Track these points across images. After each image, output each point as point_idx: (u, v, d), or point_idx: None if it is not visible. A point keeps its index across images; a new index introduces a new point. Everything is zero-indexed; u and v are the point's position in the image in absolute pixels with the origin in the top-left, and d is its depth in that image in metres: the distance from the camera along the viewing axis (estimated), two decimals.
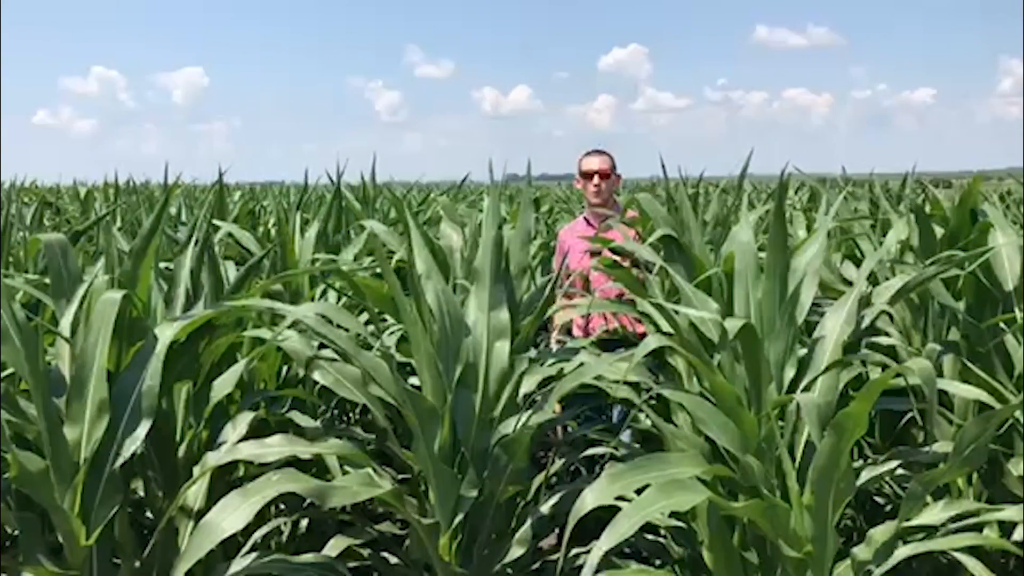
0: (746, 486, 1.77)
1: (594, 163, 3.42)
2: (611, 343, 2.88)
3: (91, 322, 1.91)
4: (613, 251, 2.76)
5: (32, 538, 1.88)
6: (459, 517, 1.98)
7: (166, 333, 1.99)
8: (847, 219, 3.41)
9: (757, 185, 8.10)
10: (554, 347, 3.03)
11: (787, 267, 2.08)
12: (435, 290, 2.16)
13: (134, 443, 1.86)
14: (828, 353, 2.00)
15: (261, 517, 2.34)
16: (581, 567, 1.71)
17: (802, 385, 1.97)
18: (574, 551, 2.15)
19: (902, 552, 1.75)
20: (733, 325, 1.82)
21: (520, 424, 2.06)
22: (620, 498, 1.76)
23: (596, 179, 3.40)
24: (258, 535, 2.10)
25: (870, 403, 1.63)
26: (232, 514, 1.67)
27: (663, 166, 3.01)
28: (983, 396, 2.06)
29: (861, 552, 1.75)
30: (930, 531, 1.81)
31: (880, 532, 1.77)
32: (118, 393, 1.89)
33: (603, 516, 1.64)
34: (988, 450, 1.77)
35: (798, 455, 1.88)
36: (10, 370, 2.04)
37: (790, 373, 1.99)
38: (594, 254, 2.97)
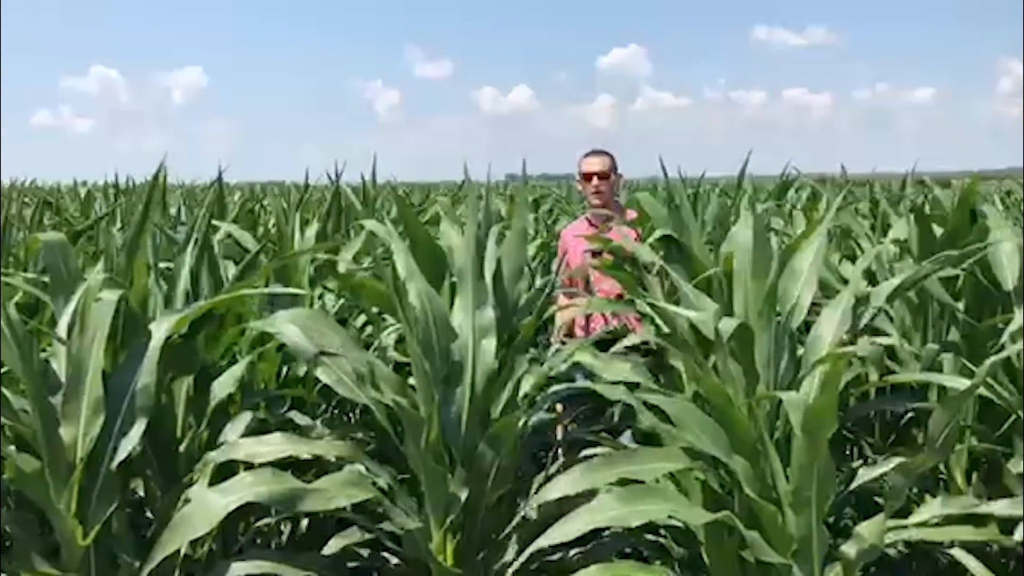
0: (733, 487, 1.77)
1: (594, 164, 3.40)
2: (612, 343, 2.88)
3: (87, 321, 1.90)
4: (613, 251, 2.76)
5: (28, 539, 1.87)
6: (451, 516, 1.98)
7: (160, 329, 1.98)
8: (843, 207, 3.39)
9: (757, 185, 8.08)
10: (555, 348, 3.03)
11: (770, 265, 2.07)
12: (417, 291, 2.16)
13: (130, 442, 1.85)
14: (824, 352, 1.99)
15: (262, 516, 2.35)
16: (578, 567, 1.72)
17: (800, 385, 1.97)
18: (573, 552, 2.16)
19: (892, 537, 1.75)
20: (728, 325, 1.82)
21: (507, 420, 2.06)
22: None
23: (596, 180, 3.38)
24: (253, 529, 2.10)
25: (834, 394, 1.62)
26: (204, 513, 1.68)
27: (663, 166, 3.00)
28: (970, 384, 2.05)
29: (849, 548, 1.73)
30: (922, 525, 1.81)
31: (868, 527, 1.75)
32: (113, 392, 1.89)
33: None
34: (957, 436, 1.77)
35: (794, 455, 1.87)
36: (5, 368, 2.04)
37: (783, 372, 1.98)
38: (595, 254, 2.96)
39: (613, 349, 1.91)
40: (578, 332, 3.31)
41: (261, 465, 1.99)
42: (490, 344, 2.17)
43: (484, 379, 2.14)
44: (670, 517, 2.04)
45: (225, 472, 2.21)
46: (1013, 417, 2.17)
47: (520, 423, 2.08)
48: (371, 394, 2.06)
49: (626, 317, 2.99)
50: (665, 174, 3.01)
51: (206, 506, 1.71)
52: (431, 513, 1.97)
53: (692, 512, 1.69)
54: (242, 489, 1.74)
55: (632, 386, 2.16)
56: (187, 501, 1.98)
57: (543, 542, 1.58)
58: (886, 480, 2.38)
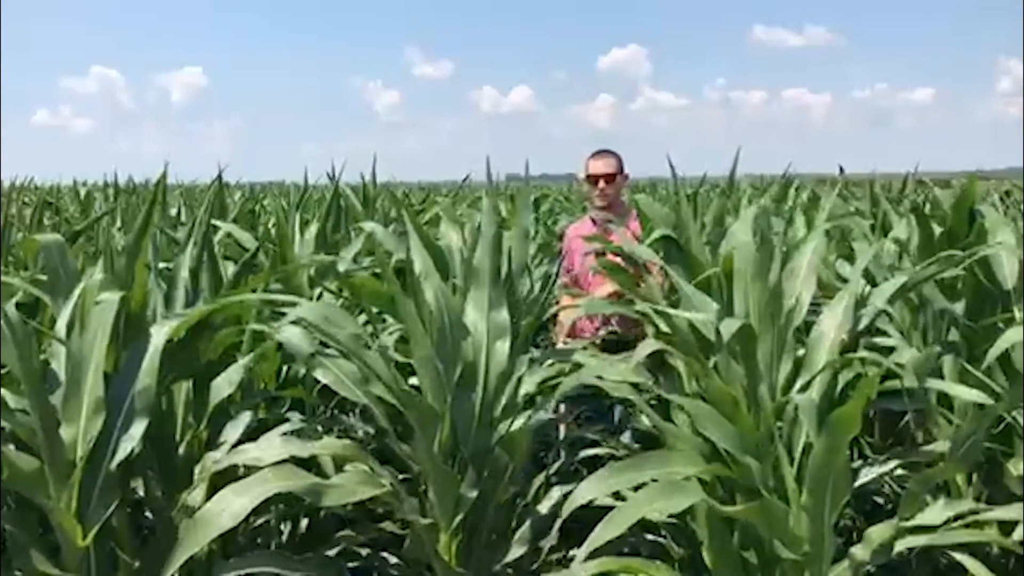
0: (744, 486, 1.77)
1: (600, 166, 3.32)
2: (616, 345, 2.87)
3: (87, 321, 1.90)
4: (614, 252, 2.75)
5: (28, 539, 1.87)
6: (459, 517, 1.98)
7: (161, 331, 1.97)
8: (842, 213, 3.40)
9: (757, 185, 8.08)
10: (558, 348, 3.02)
11: (772, 264, 2.07)
12: (434, 290, 2.15)
13: (130, 442, 1.85)
14: (825, 353, 1.99)
15: (262, 512, 2.34)
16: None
17: (798, 385, 1.96)
18: (581, 551, 2.16)
19: (900, 545, 1.75)
20: (730, 326, 1.82)
21: (520, 424, 2.06)
22: (618, 496, 1.77)
23: (602, 183, 3.31)
24: (252, 529, 2.10)
25: (863, 402, 1.62)
26: (227, 511, 1.68)
27: (671, 165, 2.97)
28: (980, 397, 2.05)
29: (859, 552, 1.74)
30: (930, 530, 1.81)
31: (878, 532, 1.76)
32: (114, 392, 1.88)
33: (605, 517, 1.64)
34: (983, 447, 1.77)
35: (797, 455, 1.87)
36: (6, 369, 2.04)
37: (784, 372, 1.98)
38: (597, 255, 2.95)
39: (634, 358, 1.92)
40: (580, 333, 3.30)
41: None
42: (504, 345, 2.16)
43: (496, 381, 2.14)
44: (671, 516, 2.05)
45: (225, 474, 2.21)
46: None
47: (531, 426, 2.08)
48: (374, 393, 2.06)
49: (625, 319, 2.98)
50: (673, 175, 3.00)
51: (228, 503, 1.71)
52: (438, 513, 1.97)
53: (720, 506, 1.70)
54: (263, 484, 1.74)
55: (633, 386, 2.15)
56: (186, 505, 1.99)
57: (595, 543, 1.58)
58: (888, 481, 2.38)
